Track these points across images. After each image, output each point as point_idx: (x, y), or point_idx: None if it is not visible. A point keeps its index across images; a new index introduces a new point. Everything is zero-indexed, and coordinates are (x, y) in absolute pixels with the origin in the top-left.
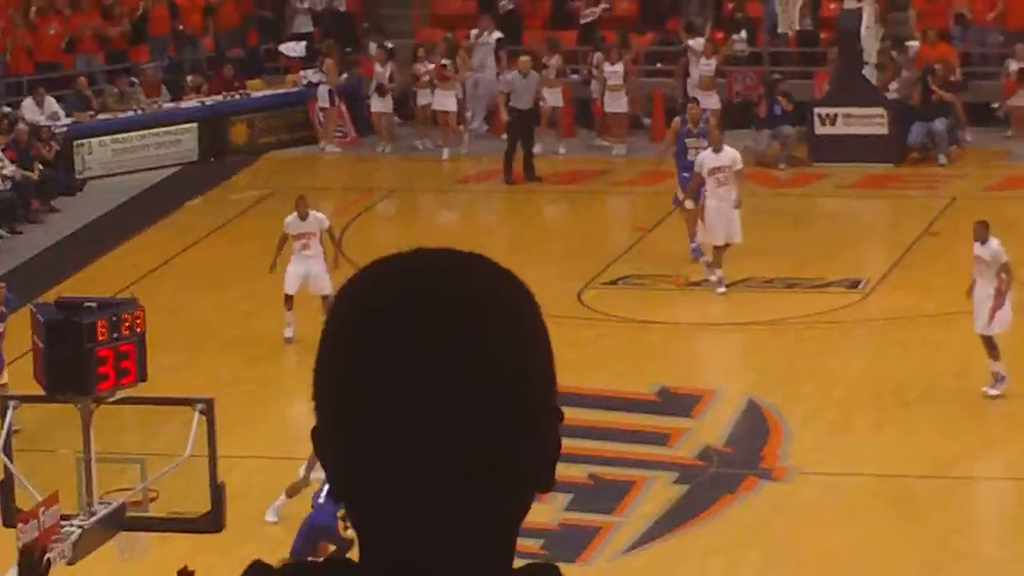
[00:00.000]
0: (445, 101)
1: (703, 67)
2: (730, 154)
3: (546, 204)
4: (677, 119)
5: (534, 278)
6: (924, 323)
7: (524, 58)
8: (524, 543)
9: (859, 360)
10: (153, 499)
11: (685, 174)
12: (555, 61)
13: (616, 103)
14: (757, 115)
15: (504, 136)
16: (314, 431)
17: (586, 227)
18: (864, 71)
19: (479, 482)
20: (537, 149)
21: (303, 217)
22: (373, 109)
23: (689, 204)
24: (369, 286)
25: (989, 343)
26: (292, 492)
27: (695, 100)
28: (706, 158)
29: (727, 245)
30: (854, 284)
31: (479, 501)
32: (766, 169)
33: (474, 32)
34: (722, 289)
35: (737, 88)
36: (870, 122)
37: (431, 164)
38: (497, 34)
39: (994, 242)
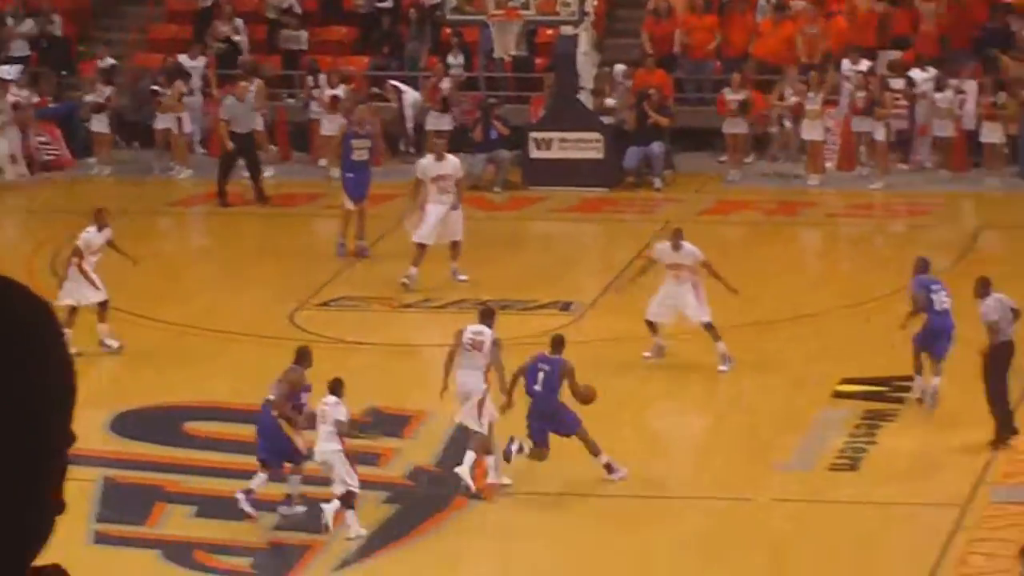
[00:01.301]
0: (171, 123)
1: (442, 88)
2: (453, 162)
3: (260, 226)
4: (344, 121)
5: (248, 300)
6: (637, 345)
7: (243, 83)
8: (233, 562)
9: None
10: None
11: (349, 174)
12: (255, 86)
13: (332, 126)
14: (473, 139)
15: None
16: None
17: (300, 249)
18: (580, 96)
19: None
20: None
21: (101, 228)
22: (93, 129)
23: (348, 204)
24: None
25: (710, 329)
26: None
27: (364, 103)
28: (429, 166)
29: (455, 243)
30: (566, 306)
31: None
32: (481, 193)
33: (184, 56)
34: (406, 280)
35: (453, 112)
36: (585, 146)
37: (148, 187)
38: (202, 59)
39: (687, 245)
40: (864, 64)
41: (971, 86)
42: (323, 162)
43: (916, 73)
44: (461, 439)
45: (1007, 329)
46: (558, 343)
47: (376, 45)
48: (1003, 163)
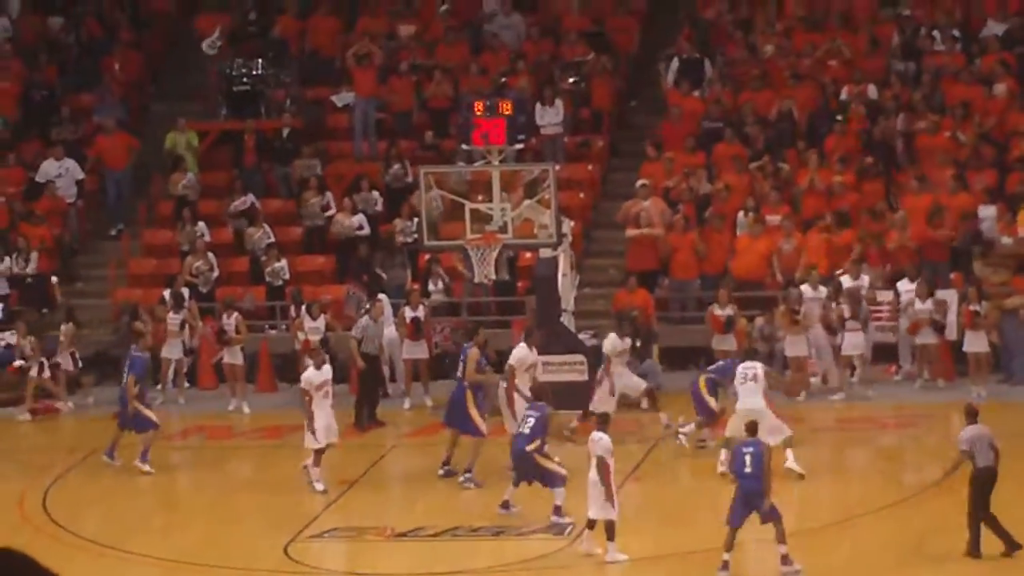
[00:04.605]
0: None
1: (410, 316)
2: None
3: (245, 458)
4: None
5: (238, 533)
6: (640, 565)
7: (379, 303)
8: None
9: None
10: None
11: None
12: (234, 319)
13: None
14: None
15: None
16: None
17: (289, 480)
18: (562, 319)
19: None
20: (232, 406)
21: None
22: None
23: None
24: None
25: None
26: None
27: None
28: (526, 357)
29: None
30: (561, 530)
31: None
32: None
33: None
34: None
35: (436, 339)
36: (570, 369)
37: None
38: (186, 290)
39: None
40: (858, 282)
41: (951, 295)
42: None
43: (902, 285)
44: None
45: (982, 455)
46: (752, 427)
47: (354, 273)
48: (988, 372)
